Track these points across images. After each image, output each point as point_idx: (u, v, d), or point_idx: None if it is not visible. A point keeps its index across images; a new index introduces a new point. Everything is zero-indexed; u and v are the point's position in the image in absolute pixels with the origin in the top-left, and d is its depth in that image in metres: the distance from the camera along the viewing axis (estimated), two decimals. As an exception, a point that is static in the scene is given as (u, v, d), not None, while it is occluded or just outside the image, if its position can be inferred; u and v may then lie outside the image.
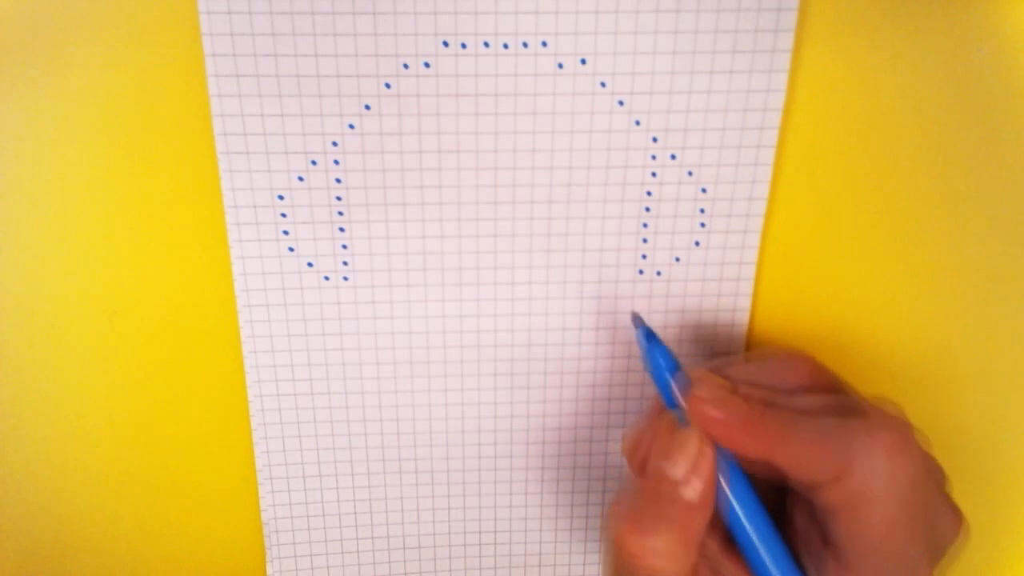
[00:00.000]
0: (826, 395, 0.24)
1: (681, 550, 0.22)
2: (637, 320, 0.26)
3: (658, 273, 0.28)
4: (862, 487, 0.21)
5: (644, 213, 0.27)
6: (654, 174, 0.27)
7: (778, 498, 0.24)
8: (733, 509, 0.23)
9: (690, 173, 0.27)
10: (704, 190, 0.27)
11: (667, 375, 0.24)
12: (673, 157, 0.27)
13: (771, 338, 0.30)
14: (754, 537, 0.23)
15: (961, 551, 0.24)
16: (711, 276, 0.28)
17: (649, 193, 0.27)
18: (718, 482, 0.23)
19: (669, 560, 0.22)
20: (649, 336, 0.25)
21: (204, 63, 0.24)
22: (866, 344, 0.30)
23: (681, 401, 0.24)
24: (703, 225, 0.28)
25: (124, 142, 0.26)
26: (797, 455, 0.22)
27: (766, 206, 0.27)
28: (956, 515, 0.24)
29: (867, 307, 0.29)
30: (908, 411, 0.31)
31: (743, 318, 0.29)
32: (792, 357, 0.25)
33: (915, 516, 0.22)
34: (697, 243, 0.28)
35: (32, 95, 0.25)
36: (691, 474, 0.23)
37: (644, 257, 0.28)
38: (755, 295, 0.29)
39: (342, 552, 0.32)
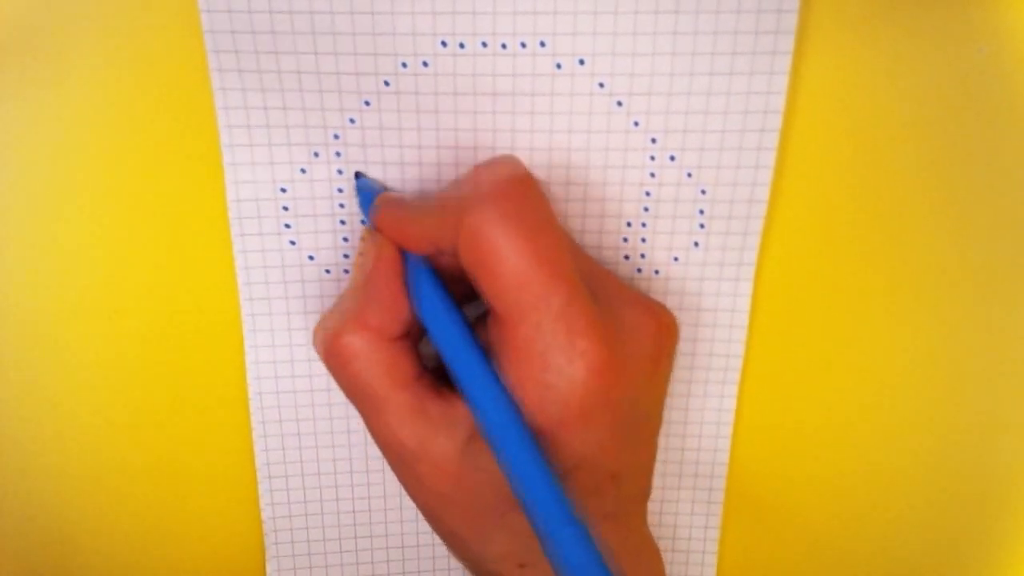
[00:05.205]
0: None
1: (370, 343, 0.23)
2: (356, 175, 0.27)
3: (656, 272, 0.28)
4: (479, 220, 0.21)
5: (643, 213, 0.27)
6: (653, 175, 0.27)
7: None
8: (420, 302, 0.23)
9: (689, 174, 0.27)
10: (704, 191, 0.27)
11: (368, 198, 0.26)
12: (672, 158, 0.27)
13: (770, 340, 0.30)
14: (438, 326, 0.23)
15: (671, 348, 0.24)
16: (710, 276, 0.28)
17: (648, 194, 0.27)
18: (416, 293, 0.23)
19: (367, 356, 0.23)
20: (357, 176, 0.27)
21: (206, 58, 0.24)
22: (866, 346, 0.30)
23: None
24: (702, 226, 0.28)
25: (124, 139, 0.26)
26: (434, 222, 0.22)
27: (766, 208, 0.27)
28: (641, 304, 0.24)
29: (867, 309, 0.29)
30: (907, 412, 0.31)
31: (741, 319, 0.29)
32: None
33: (552, 249, 0.22)
34: (696, 244, 0.28)
35: (33, 95, 0.25)
36: (365, 259, 0.24)
37: (643, 256, 0.28)
38: (754, 297, 0.29)
39: (341, 551, 0.32)
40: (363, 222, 0.27)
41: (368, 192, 0.26)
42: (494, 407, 0.22)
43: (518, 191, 0.22)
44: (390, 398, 0.23)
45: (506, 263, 0.21)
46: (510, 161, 0.22)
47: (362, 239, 0.25)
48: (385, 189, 0.26)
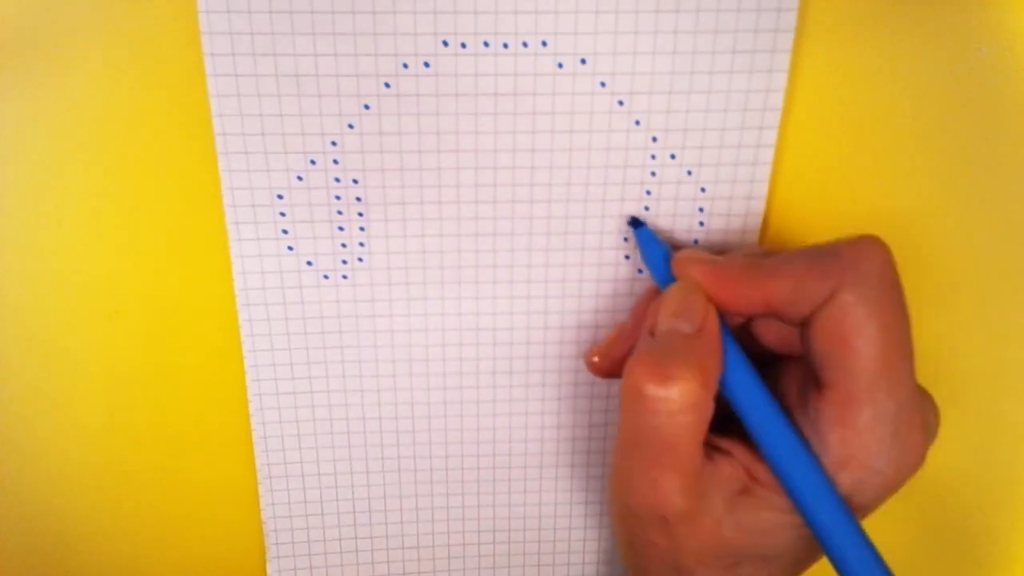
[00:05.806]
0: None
1: (702, 396, 0.22)
2: (634, 222, 0.27)
3: (657, 273, 0.28)
4: (856, 299, 0.21)
5: (643, 212, 0.27)
6: (653, 173, 0.27)
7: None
8: (733, 375, 0.23)
9: (689, 172, 0.27)
10: (703, 189, 0.27)
11: (657, 252, 0.26)
12: (672, 157, 0.27)
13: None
14: (754, 402, 0.23)
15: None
16: (710, 276, 0.28)
17: (648, 192, 0.27)
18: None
19: (692, 410, 0.22)
20: (636, 223, 0.27)
21: (203, 62, 0.24)
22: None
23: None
24: (702, 224, 0.28)
25: (123, 142, 0.26)
26: (788, 284, 0.22)
27: (764, 206, 0.27)
28: (931, 399, 0.25)
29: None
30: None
31: (742, 317, 0.29)
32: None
33: (906, 344, 0.22)
34: (696, 242, 0.28)
35: (32, 96, 0.25)
36: (691, 313, 0.23)
37: (644, 256, 0.28)
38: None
39: (341, 551, 0.32)
40: (649, 272, 0.27)
41: (653, 245, 0.26)
42: (813, 488, 0.22)
43: (894, 282, 0.22)
44: (684, 457, 0.22)
45: (872, 348, 0.21)
46: (882, 249, 0.22)
47: (671, 292, 0.24)
48: (671, 245, 0.27)
